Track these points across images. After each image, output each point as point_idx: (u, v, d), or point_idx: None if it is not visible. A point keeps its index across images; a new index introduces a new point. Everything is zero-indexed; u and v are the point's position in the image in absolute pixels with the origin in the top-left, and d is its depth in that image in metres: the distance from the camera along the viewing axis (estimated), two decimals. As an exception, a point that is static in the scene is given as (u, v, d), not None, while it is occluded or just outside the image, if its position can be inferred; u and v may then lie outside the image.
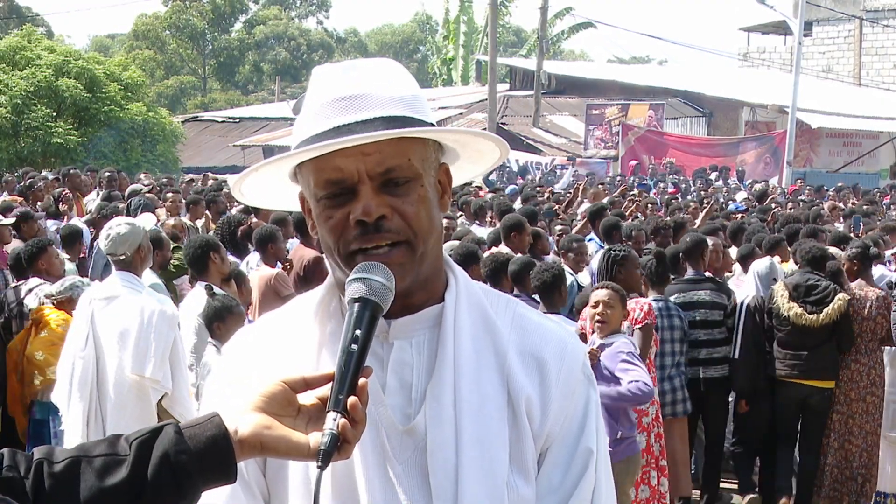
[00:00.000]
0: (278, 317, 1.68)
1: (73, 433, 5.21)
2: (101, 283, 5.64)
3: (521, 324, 1.63)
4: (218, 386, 1.63)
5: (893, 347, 6.96)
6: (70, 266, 8.16)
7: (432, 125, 1.59)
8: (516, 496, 1.53)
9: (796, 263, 8.37)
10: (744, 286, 8.22)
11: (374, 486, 1.51)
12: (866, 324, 6.94)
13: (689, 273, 7.29)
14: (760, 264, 8.20)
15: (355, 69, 1.58)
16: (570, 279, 7.38)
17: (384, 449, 1.54)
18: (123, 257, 5.30)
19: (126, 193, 12.18)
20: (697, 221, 11.52)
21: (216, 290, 5.82)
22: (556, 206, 13.41)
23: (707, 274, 7.43)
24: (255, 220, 9.51)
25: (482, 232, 9.64)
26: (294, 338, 1.61)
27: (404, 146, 1.53)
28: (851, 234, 10.30)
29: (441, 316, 1.60)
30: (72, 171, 14.16)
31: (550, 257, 8.09)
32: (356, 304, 1.46)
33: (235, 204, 11.85)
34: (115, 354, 5.14)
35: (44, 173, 16.49)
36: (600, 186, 16.83)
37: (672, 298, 6.95)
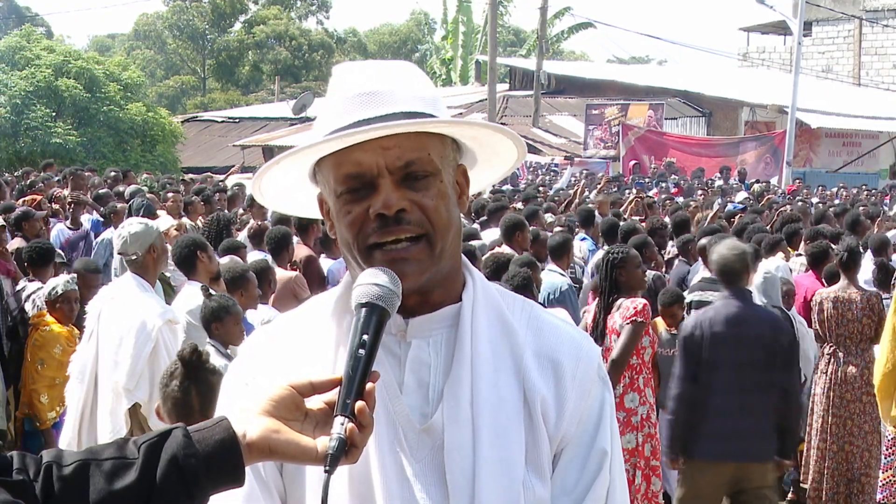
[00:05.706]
0: (295, 316, 1.69)
1: (69, 426, 5.21)
2: (113, 282, 5.62)
3: (536, 325, 1.64)
4: (234, 385, 1.63)
5: None
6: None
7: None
8: (532, 496, 1.54)
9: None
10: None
11: (391, 484, 1.52)
12: (852, 325, 7.09)
13: None
14: (769, 265, 8.26)
15: (377, 67, 1.60)
16: (562, 280, 7.42)
17: (401, 448, 1.54)
18: (135, 257, 5.28)
19: (126, 194, 12.17)
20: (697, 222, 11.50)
21: (212, 290, 5.78)
22: (556, 205, 13.43)
23: None
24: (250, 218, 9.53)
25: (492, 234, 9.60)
26: (311, 336, 1.61)
27: (424, 141, 1.54)
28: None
29: (458, 316, 1.60)
30: (76, 171, 14.16)
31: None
32: (363, 309, 1.46)
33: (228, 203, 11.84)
34: (111, 357, 5.11)
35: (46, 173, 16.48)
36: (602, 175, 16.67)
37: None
